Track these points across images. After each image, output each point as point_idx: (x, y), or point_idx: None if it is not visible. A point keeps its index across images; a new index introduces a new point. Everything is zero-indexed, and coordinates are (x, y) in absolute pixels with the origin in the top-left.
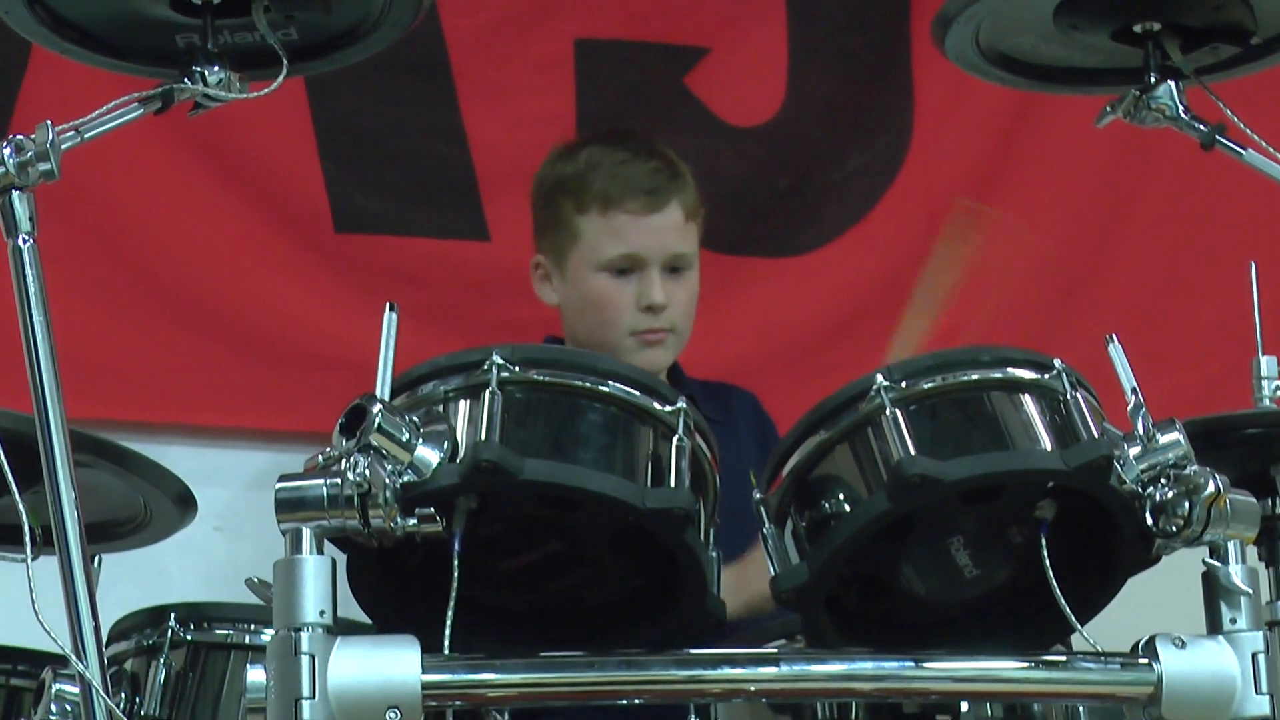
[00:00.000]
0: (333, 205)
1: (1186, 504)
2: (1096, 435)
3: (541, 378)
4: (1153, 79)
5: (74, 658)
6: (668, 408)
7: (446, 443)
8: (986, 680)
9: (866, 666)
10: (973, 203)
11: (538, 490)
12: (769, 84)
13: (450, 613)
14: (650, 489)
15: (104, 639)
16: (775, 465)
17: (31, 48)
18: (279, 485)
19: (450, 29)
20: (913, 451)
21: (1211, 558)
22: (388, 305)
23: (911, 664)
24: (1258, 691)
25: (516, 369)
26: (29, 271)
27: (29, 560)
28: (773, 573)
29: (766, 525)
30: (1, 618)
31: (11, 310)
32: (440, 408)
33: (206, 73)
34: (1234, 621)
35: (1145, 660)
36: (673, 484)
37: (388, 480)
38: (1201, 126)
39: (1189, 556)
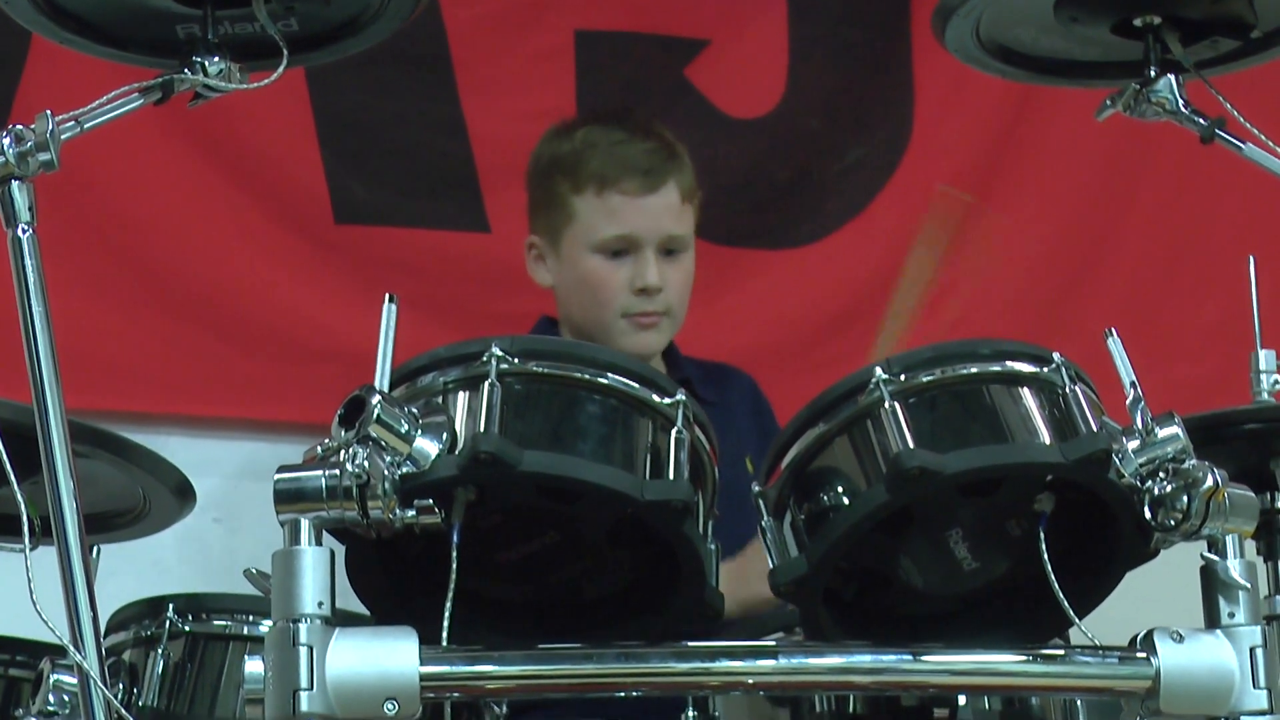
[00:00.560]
0: (333, 197)
1: (1185, 498)
2: (1095, 429)
3: (541, 369)
4: (1153, 72)
5: (72, 648)
6: (667, 400)
7: (445, 434)
8: (984, 674)
9: (865, 660)
10: (953, 190)
11: (536, 482)
12: (769, 76)
13: (449, 604)
14: (649, 481)
15: (102, 630)
16: (774, 457)
17: (32, 38)
18: (277, 476)
19: (450, 20)
20: (911, 444)
21: (1210, 552)
22: (387, 297)
23: (909, 657)
24: (1255, 686)
25: (515, 360)
26: (28, 262)
27: (27, 551)
28: (771, 565)
29: (765, 518)
30: (0, 608)
31: (11, 301)
32: (439, 399)
33: (207, 63)
34: (1232, 616)
35: (1143, 654)
36: (671, 476)
37: (386, 471)
38: (1201, 120)
39: (1187, 551)
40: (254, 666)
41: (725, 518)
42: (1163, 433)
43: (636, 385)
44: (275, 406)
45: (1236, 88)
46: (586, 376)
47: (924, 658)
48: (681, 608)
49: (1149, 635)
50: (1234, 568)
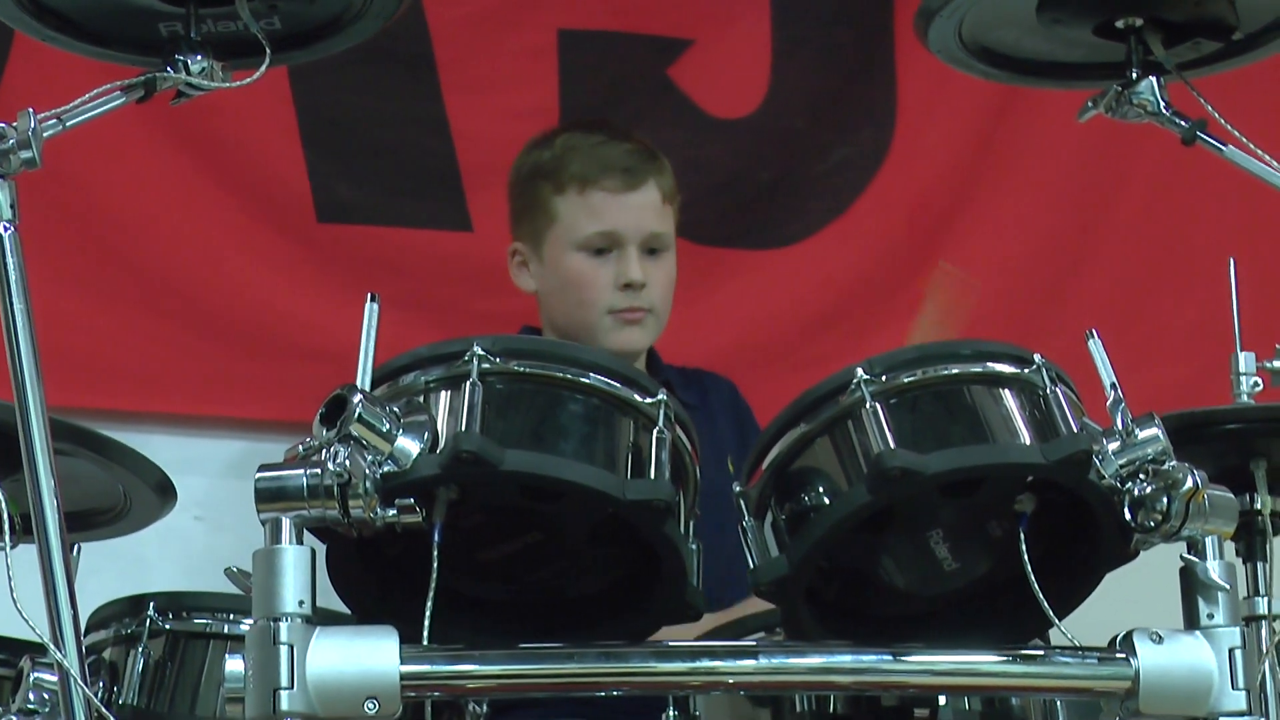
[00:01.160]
0: (315, 195)
1: (1165, 499)
2: (1076, 430)
3: (522, 369)
4: (1134, 74)
5: (52, 646)
6: (648, 399)
7: (427, 433)
8: (964, 674)
9: (845, 660)
10: (953, 268)
11: (518, 481)
12: (752, 76)
13: (429, 603)
14: (631, 480)
15: (83, 628)
16: (755, 458)
17: (14, 35)
18: (259, 475)
19: (434, 19)
20: (893, 444)
21: (1189, 553)
22: (369, 296)
23: (890, 657)
24: (1234, 687)
25: (497, 360)
26: (10, 259)
27: (7, 549)
28: (752, 565)
29: (746, 518)
30: None
31: None
32: (421, 398)
33: (189, 62)
34: (1211, 617)
35: (1123, 655)
36: (653, 476)
37: (368, 470)
38: (1183, 122)
39: (1167, 552)
40: (235, 665)
41: (707, 520)
42: (1143, 434)
43: (618, 385)
44: (257, 405)
45: (1218, 90)
46: (568, 376)
47: (904, 658)
48: (663, 607)
49: (1128, 636)
50: (1213, 569)
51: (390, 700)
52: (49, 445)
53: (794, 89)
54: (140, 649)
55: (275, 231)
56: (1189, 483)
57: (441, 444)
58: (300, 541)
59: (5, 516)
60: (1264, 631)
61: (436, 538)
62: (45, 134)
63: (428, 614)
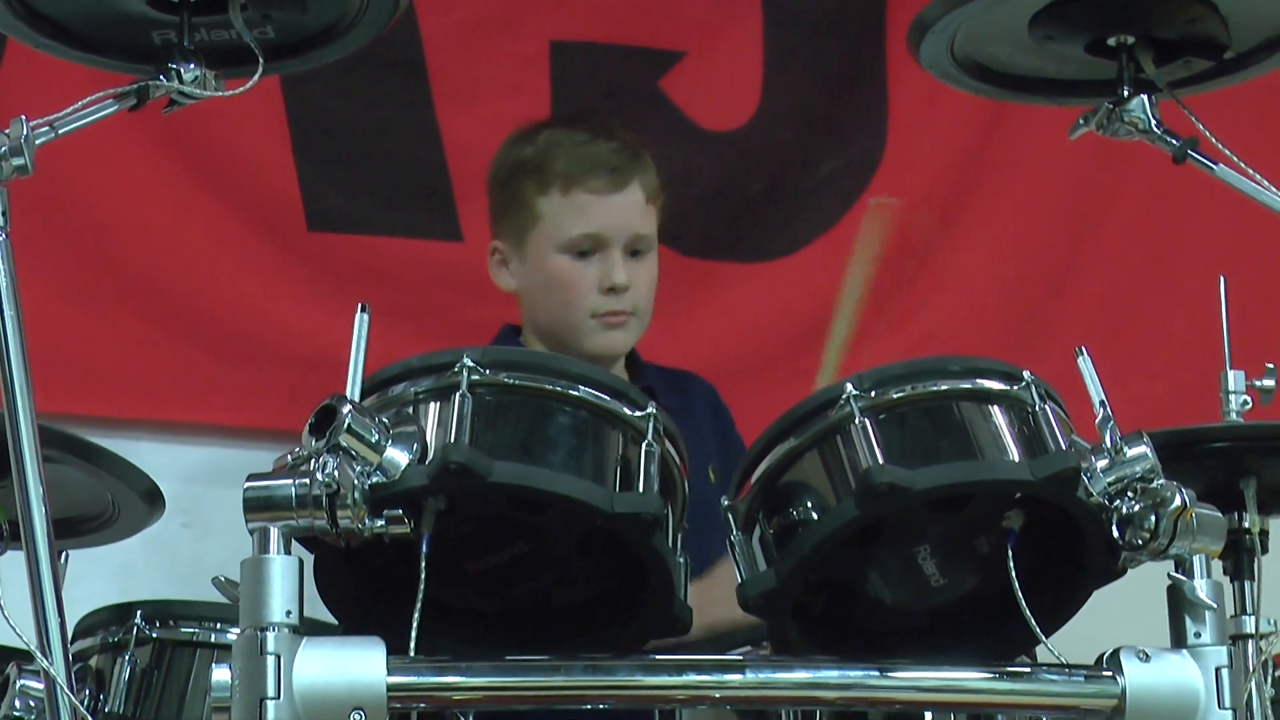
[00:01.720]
0: (306, 204)
1: (1153, 517)
2: (1064, 447)
3: (512, 380)
4: (1126, 91)
5: (39, 654)
6: (638, 413)
7: (416, 444)
8: (951, 690)
9: (831, 675)
10: (883, 199)
11: (506, 492)
12: (744, 89)
13: (417, 614)
14: (619, 493)
15: (69, 635)
16: (744, 472)
17: (7, 42)
18: (247, 484)
19: (426, 28)
20: (881, 460)
21: (1177, 571)
22: (359, 306)
23: (876, 673)
24: (1220, 706)
25: (487, 371)
26: (1, 266)
27: None
28: (740, 578)
29: (734, 532)
30: None
31: None
32: (410, 409)
33: (182, 70)
34: (1198, 635)
35: (1109, 673)
36: (641, 489)
37: (356, 481)
38: (1173, 140)
39: (1154, 570)
40: (221, 674)
41: (690, 527)
42: (1131, 452)
43: (607, 397)
44: (246, 413)
45: (1209, 108)
46: (558, 388)
47: (891, 673)
48: (650, 620)
49: (1115, 654)
50: (1201, 587)
51: (377, 711)
52: (37, 452)
53: (785, 102)
54: (127, 657)
55: (266, 240)
56: (1177, 501)
57: (430, 455)
58: (288, 551)
59: None
60: (1250, 650)
61: (424, 548)
62: (37, 141)
63: (415, 625)
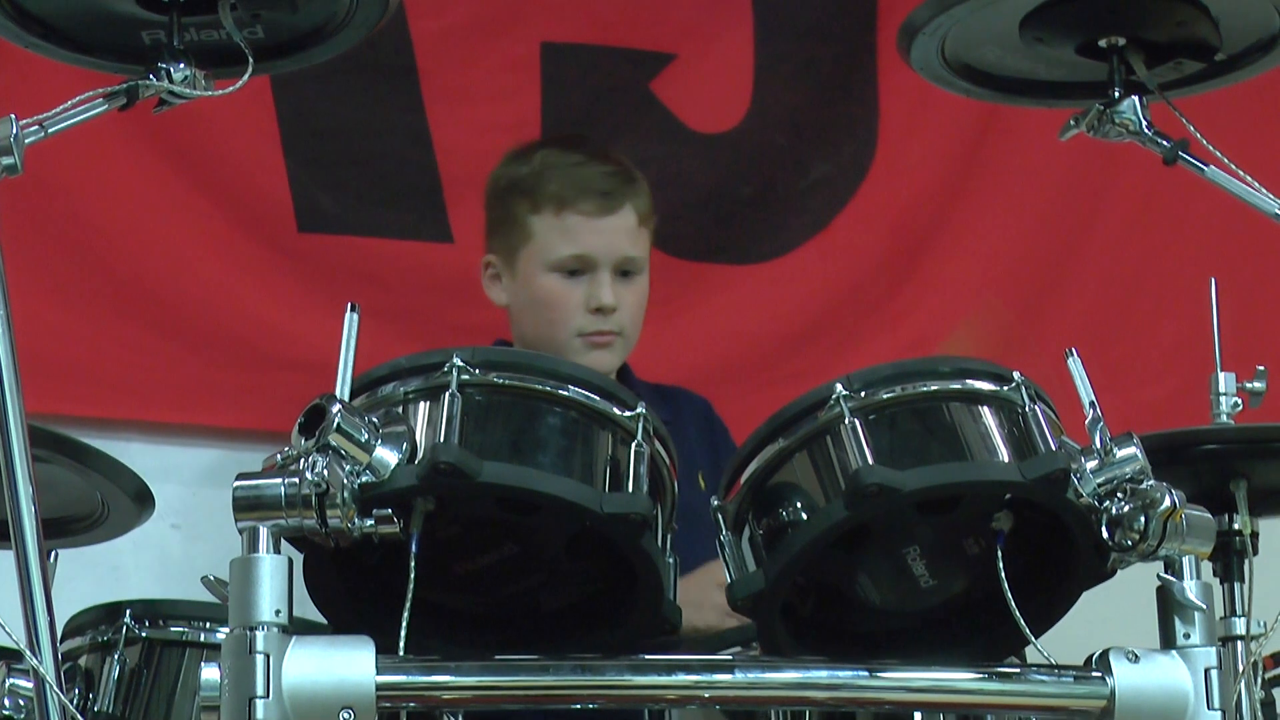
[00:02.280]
0: (296, 205)
1: (1142, 518)
2: (1054, 448)
3: (501, 381)
4: (1117, 93)
5: (28, 653)
6: (627, 413)
7: (405, 444)
8: (940, 691)
9: (821, 675)
10: (996, 300)
11: (496, 493)
12: (734, 91)
13: (406, 614)
14: (608, 494)
15: (59, 635)
16: (733, 472)
17: None
18: (237, 484)
19: (417, 30)
20: (871, 461)
21: (1166, 572)
22: (349, 306)
23: (865, 674)
24: (1210, 707)
25: (477, 372)
26: None
27: None
28: (729, 579)
29: (724, 533)
30: None
31: None
32: (400, 409)
33: (172, 70)
34: (1187, 636)
35: (1099, 674)
36: (631, 489)
37: (346, 480)
38: (1164, 142)
39: (1144, 571)
40: (210, 674)
41: (679, 534)
42: (1121, 453)
43: (597, 398)
44: (236, 414)
45: (1200, 110)
46: (547, 389)
47: (880, 674)
48: (639, 621)
49: (1104, 655)
50: (1190, 589)
51: (366, 710)
52: (27, 452)
53: (776, 104)
54: (116, 656)
55: (256, 241)
56: (1166, 502)
57: (420, 455)
58: (277, 550)
59: None
60: (1240, 652)
61: (414, 548)
62: (27, 140)
63: (404, 624)
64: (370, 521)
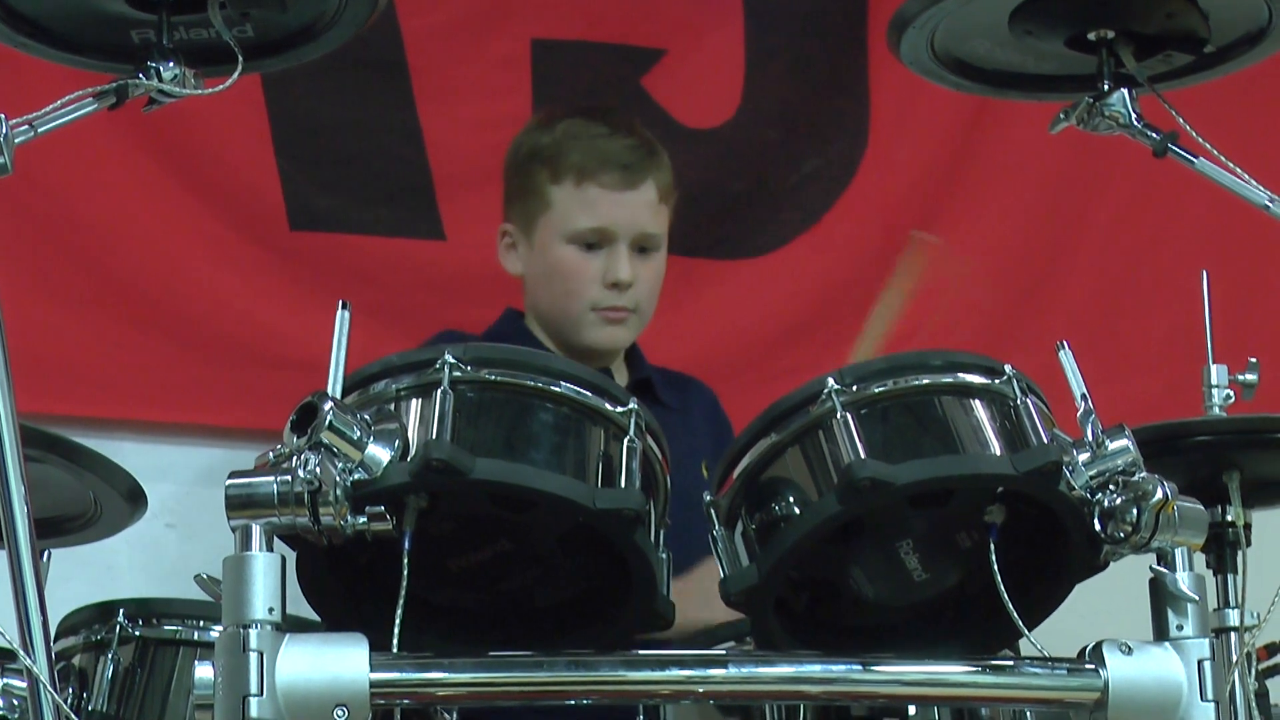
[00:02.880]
0: (288, 203)
1: (1135, 510)
2: (1046, 441)
3: (493, 377)
4: (1106, 86)
5: (22, 652)
6: (619, 409)
7: (398, 441)
8: (934, 684)
9: (815, 669)
10: (925, 235)
11: (488, 489)
12: (725, 87)
13: (399, 611)
14: (601, 489)
15: (52, 634)
16: (726, 467)
17: None
18: (229, 482)
19: (407, 27)
20: (863, 455)
21: (1159, 564)
22: (340, 303)
23: (859, 667)
24: (1203, 698)
25: (468, 368)
26: None
27: None
28: (722, 574)
29: (717, 527)
30: None
31: None
32: (392, 406)
33: (162, 69)
34: (1180, 628)
35: (1092, 666)
36: (623, 484)
37: (338, 478)
38: (1154, 134)
39: (1136, 563)
40: (204, 672)
41: (680, 523)
42: (1113, 445)
43: (589, 394)
44: (228, 412)
45: (1190, 102)
46: (539, 385)
47: (874, 668)
48: (632, 616)
49: (1098, 647)
50: (1183, 580)
51: (360, 708)
52: (19, 451)
53: (766, 99)
54: (110, 655)
55: (247, 239)
56: (1159, 494)
57: (412, 452)
58: (270, 549)
59: None
60: (1234, 643)
61: (407, 545)
62: (17, 140)
63: (397, 622)
64: (363, 519)
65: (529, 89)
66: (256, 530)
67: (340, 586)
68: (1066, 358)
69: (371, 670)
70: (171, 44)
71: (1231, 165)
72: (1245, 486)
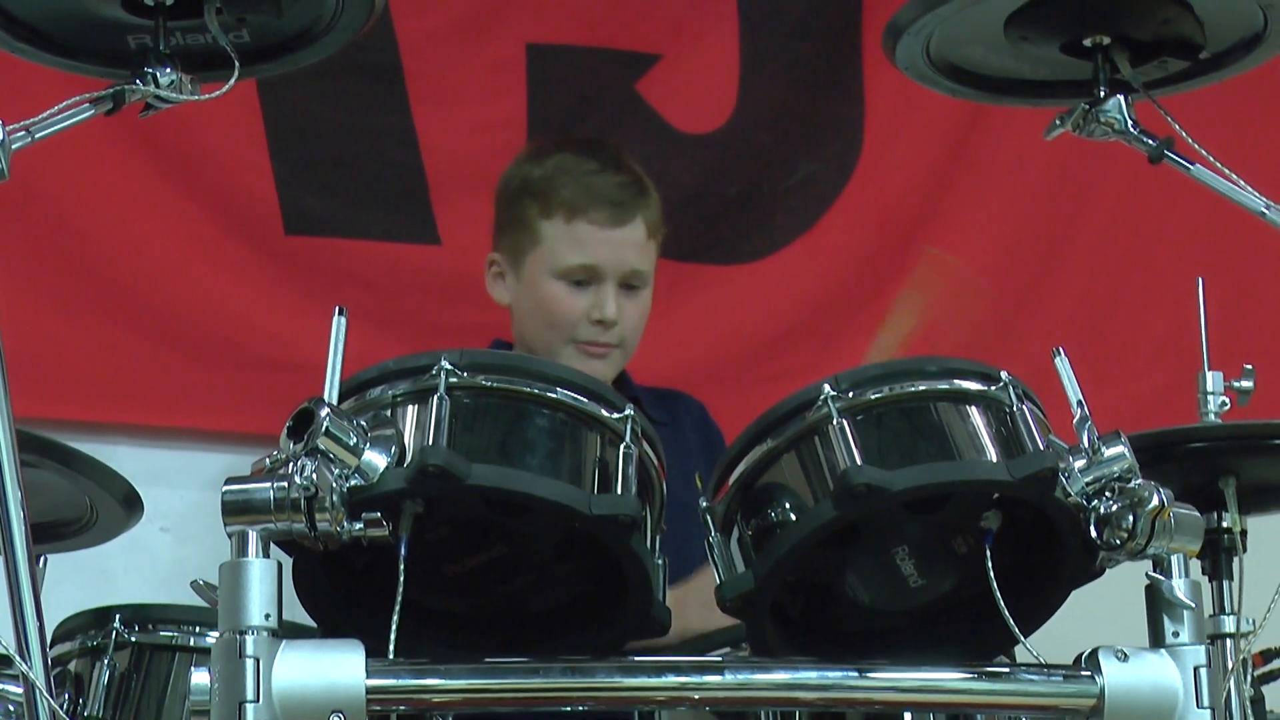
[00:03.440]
0: (283, 207)
1: (1130, 517)
2: (1042, 447)
3: (489, 383)
4: (1102, 92)
5: (18, 658)
6: (615, 414)
7: (394, 447)
8: (929, 691)
9: (810, 676)
10: (940, 252)
11: (484, 495)
12: (720, 91)
13: (395, 617)
14: (596, 495)
15: (48, 639)
16: (721, 473)
17: None
18: (225, 488)
19: (402, 32)
20: (859, 461)
21: (1155, 571)
22: (337, 309)
23: (855, 674)
24: (1199, 705)
25: (464, 374)
26: None
27: None
28: (718, 580)
29: (712, 533)
30: None
31: None
32: (388, 412)
33: (158, 74)
34: (1176, 635)
35: (1088, 672)
36: (619, 490)
37: (334, 484)
38: (1149, 140)
39: (1133, 569)
40: (200, 678)
41: (675, 535)
42: (1109, 452)
43: (585, 400)
44: (224, 417)
45: (1185, 108)
46: (535, 390)
47: (870, 674)
48: (628, 622)
49: (1094, 654)
50: (1179, 587)
51: (356, 714)
52: (15, 456)
53: (761, 104)
54: (106, 661)
55: (243, 243)
56: (1154, 500)
57: (408, 458)
58: (266, 554)
59: None
60: (1230, 650)
61: (403, 551)
62: (13, 146)
63: (394, 627)
64: (359, 525)
65: (524, 93)
66: (253, 536)
67: (336, 592)
68: (1062, 364)
69: (368, 676)
70: (168, 49)
71: (1227, 171)
72: (1241, 493)
